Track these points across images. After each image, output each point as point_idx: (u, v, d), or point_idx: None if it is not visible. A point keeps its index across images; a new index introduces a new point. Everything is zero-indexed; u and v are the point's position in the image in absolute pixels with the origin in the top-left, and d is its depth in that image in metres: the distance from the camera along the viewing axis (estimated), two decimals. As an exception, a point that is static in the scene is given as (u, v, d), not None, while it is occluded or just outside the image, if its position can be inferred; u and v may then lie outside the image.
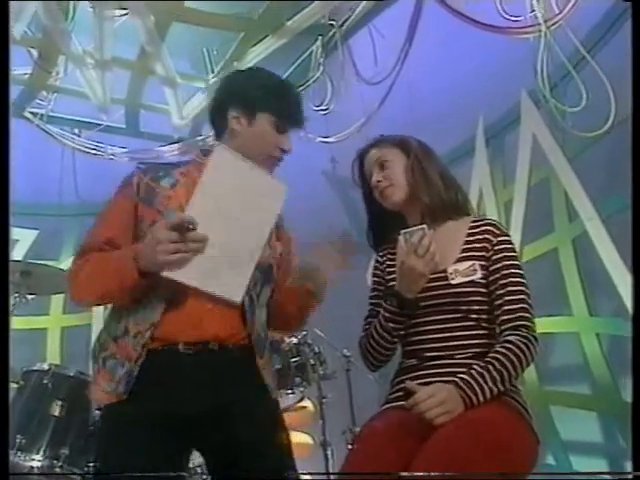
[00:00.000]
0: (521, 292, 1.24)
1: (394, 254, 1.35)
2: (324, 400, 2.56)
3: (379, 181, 1.35)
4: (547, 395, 2.92)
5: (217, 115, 1.33)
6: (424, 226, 1.23)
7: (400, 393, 1.22)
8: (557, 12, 2.88)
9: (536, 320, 1.25)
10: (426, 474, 1.00)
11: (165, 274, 1.08)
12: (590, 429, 2.77)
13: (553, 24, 2.88)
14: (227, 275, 1.12)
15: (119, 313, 1.22)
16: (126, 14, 3.69)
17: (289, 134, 1.32)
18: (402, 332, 1.27)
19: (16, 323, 2.69)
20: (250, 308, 1.23)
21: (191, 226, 1.06)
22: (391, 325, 1.27)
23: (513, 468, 1.08)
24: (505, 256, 1.27)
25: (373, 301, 1.38)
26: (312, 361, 2.49)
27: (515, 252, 1.30)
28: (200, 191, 1.09)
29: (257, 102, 1.28)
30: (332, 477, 2.33)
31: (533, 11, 2.97)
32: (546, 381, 2.93)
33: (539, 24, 2.93)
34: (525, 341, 1.19)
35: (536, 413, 1.23)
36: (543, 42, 2.94)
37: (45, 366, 2.16)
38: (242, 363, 1.22)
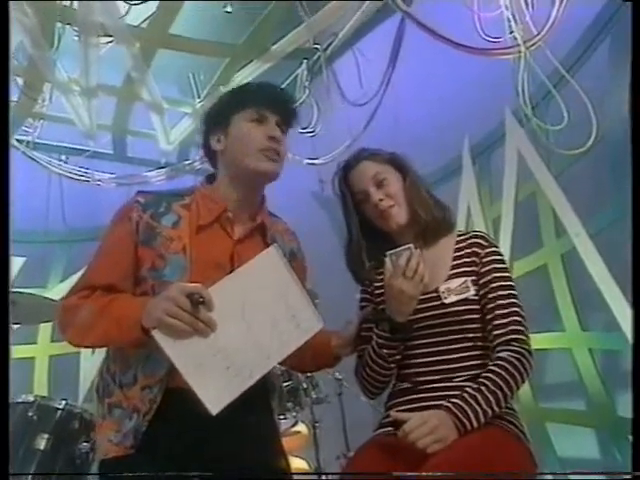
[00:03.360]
0: (512, 305, 1.19)
1: (381, 275, 1.29)
2: (317, 424, 2.52)
3: (381, 200, 1.27)
4: (543, 412, 2.90)
5: (204, 147, 1.29)
6: (410, 246, 1.17)
7: (392, 419, 1.18)
8: (535, 33, 2.95)
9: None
10: (426, 474, 0.97)
11: (154, 333, 0.98)
12: (587, 445, 2.74)
13: (532, 45, 2.94)
14: (216, 380, 1.01)
15: (127, 360, 1.14)
16: (111, 42, 3.72)
17: (273, 123, 1.23)
18: (397, 357, 1.22)
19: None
20: None
21: (201, 299, 0.99)
22: (385, 351, 1.21)
23: None
24: (494, 268, 1.22)
25: (364, 326, 1.28)
26: (304, 385, 2.45)
27: (504, 263, 1.26)
28: (231, 279, 1.03)
29: (226, 108, 1.25)
30: (323, 478, 2.30)
31: (512, 32, 3.04)
32: (541, 398, 2.91)
33: (518, 45, 2.98)
34: (518, 356, 1.13)
35: (532, 431, 1.20)
36: (523, 63, 2.99)
37: (30, 398, 2.08)
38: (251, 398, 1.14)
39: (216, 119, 1.26)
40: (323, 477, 2.33)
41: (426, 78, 3.62)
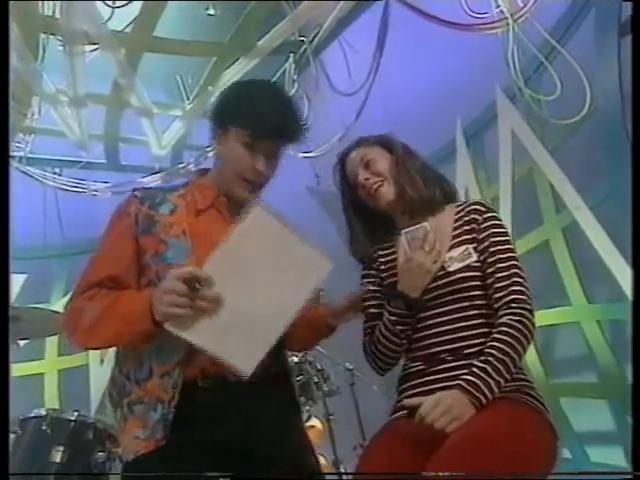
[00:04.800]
0: (511, 267, 1.18)
1: (386, 254, 1.32)
2: (331, 417, 2.52)
3: (367, 179, 1.30)
4: (556, 388, 2.90)
5: (212, 130, 1.24)
6: (426, 224, 1.21)
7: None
8: (522, 5, 2.94)
9: (535, 313, 1.21)
10: (435, 474, 0.96)
11: (167, 326, 1.00)
12: (602, 418, 2.74)
13: (519, 17, 2.93)
14: (241, 344, 1.02)
15: (139, 355, 1.14)
16: (96, 49, 3.69)
17: (267, 152, 1.17)
18: (409, 332, 1.23)
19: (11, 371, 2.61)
20: None
21: (203, 283, 0.99)
22: (399, 328, 1.22)
23: (533, 469, 1.03)
24: (492, 233, 1.23)
25: (371, 303, 1.31)
26: (315, 379, 2.45)
27: (503, 228, 1.26)
28: (223, 248, 1.01)
29: (226, 115, 1.18)
30: (344, 477, 2.29)
31: (498, 7, 3.03)
32: (553, 374, 2.91)
33: (506, 18, 2.98)
34: (519, 318, 1.13)
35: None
36: (512, 36, 2.99)
37: (42, 412, 2.08)
38: (270, 388, 1.15)
39: (217, 119, 1.21)
40: (344, 477, 2.32)
41: (414, 63, 3.60)
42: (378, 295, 1.31)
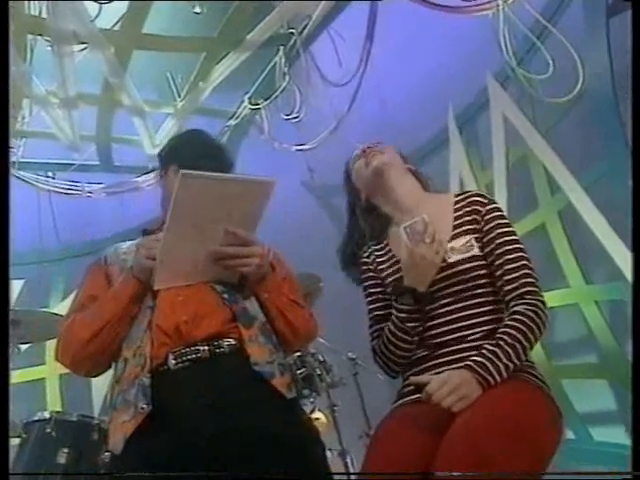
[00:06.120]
0: (520, 258, 1.19)
1: (381, 253, 1.33)
2: (335, 408, 2.52)
3: (368, 148, 1.34)
4: (557, 370, 2.91)
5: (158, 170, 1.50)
6: (424, 216, 1.20)
7: (411, 388, 1.17)
8: (512, -14, 2.94)
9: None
10: (449, 474, 0.96)
11: (156, 286, 1.16)
12: (603, 397, 2.76)
13: (509, -2, 2.93)
14: (218, 266, 1.16)
15: (118, 356, 1.21)
16: (85, 48, 3.66)
17: None
18: (420, 328, 1.21)
19: (13, 377, 2.61)
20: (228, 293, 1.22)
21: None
22: (409, 325, 1.20)
23: (540, 446, 1.04)
24: (497, 224, 1.23)
25: (375, 305, 1.31)
26: (318, 370, 2.45)
27: (506, 219, 1.26)
28: (170, 219, 1.10)
29: (166, 155, 1.44)
30: (352, 477, 2.29)
31: (488, -12, 3.02)
32: (554, 356, 2.93)
33: (496, 0, 2.96)
34: (533, 308, 1.14)
35: (549, 389, 1.20)
36: (502, 17, 2.98)
37: (46, 414, 2.07)
38: (238, 366, 1.17)
39: (161, 160, 1.44)
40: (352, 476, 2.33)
41: (405, 50, 3.58)
42: (382, 297, 1.30)
